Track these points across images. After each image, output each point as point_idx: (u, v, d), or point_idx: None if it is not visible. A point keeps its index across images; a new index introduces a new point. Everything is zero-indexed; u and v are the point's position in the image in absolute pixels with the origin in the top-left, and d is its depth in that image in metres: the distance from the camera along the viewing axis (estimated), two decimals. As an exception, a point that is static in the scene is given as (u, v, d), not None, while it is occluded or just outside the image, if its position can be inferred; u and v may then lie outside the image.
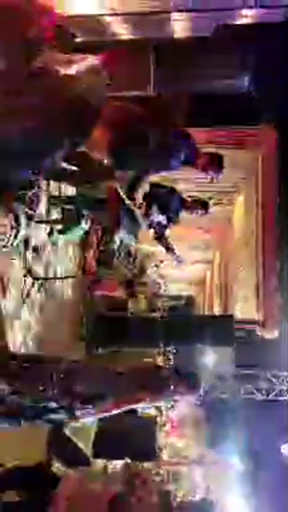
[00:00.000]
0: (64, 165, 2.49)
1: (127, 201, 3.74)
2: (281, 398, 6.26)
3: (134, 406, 2.48)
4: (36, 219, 3.78)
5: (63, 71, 2.10)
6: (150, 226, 4.46)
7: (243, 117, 5.80)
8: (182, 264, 4.71)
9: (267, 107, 5.68)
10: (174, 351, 6.81)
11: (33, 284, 3.87)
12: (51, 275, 4.48)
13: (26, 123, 1.79)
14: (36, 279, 3.87)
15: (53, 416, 2.31)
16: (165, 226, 4.49)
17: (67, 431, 3.87)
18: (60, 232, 4.38)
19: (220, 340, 6.29)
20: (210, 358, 7.06)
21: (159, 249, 5.52)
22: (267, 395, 6.26)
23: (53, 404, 2.27)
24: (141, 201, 4.02)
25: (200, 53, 5.14)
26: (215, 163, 2.59)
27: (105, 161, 2.17)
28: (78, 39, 4.92)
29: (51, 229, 4.26)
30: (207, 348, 6.80)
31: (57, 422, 2.40)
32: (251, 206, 7.51)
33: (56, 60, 2.16)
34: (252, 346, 7.29)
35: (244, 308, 8.40)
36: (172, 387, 2.46)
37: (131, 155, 2.08)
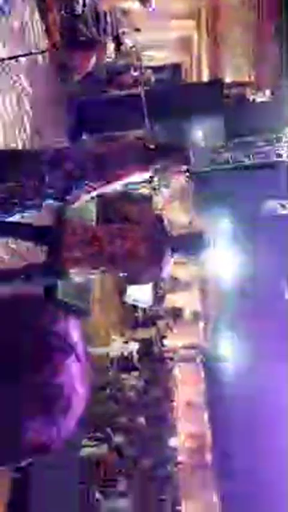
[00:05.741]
0: None
1: None
2: (272, 160, 6.27)
3: (124, 181, 2.52)
4: None
5: None
6: None
7: None
8: (155, 14, 3.99)
9: None
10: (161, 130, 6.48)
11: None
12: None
13: None
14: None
15: (51, 201, 2.41)
16: None
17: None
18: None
19: (208, 108, 5.93)
20: (200, 133, 6.79)
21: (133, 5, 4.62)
22: (256, 158, 6.28)
23: (50, 191, 2.31)
24: None
25: None
26: None
27: None
28: None
29: None
30: (195, 121, 6.45)
31: (58, 207, 2.51)
32: None
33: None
34: (243, 112, 6.87)
35: (235, 73, 7.69)
36: (162, 161, 2.51)
37: None
